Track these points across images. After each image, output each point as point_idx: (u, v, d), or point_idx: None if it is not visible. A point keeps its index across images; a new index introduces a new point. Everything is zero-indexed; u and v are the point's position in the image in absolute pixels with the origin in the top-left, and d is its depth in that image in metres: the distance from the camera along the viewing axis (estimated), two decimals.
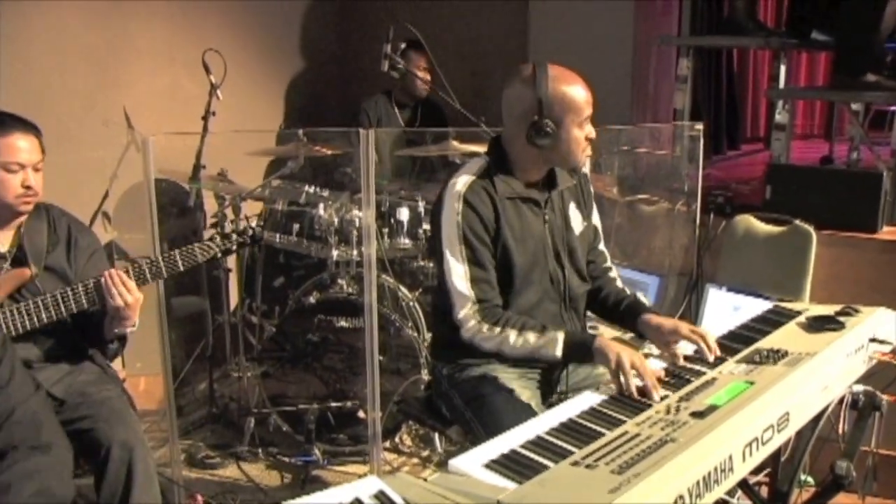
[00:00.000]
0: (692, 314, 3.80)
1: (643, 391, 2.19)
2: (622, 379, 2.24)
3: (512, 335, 2.44)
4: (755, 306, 2.86)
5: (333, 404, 3.74)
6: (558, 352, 2.41)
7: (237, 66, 4.20)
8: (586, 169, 2.85)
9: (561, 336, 2.42)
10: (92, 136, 4.22)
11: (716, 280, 3.65)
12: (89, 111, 4.27)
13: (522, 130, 2.49)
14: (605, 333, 3.67)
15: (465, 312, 2.48)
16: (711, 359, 2.35)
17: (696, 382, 2.18)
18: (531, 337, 2.43)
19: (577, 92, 2.48)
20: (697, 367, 2.32)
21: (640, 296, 2.76)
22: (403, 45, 3.73)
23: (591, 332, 2.55)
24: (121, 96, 4.30)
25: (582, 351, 2.41)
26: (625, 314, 2.68)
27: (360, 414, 3.72)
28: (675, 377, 2.28)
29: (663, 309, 3.85)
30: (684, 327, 2.47)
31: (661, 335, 2.50)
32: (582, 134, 2.51)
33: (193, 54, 4.05)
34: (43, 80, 4.12)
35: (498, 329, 2.45)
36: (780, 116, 4.29)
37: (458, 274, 2.48)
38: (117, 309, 2.62)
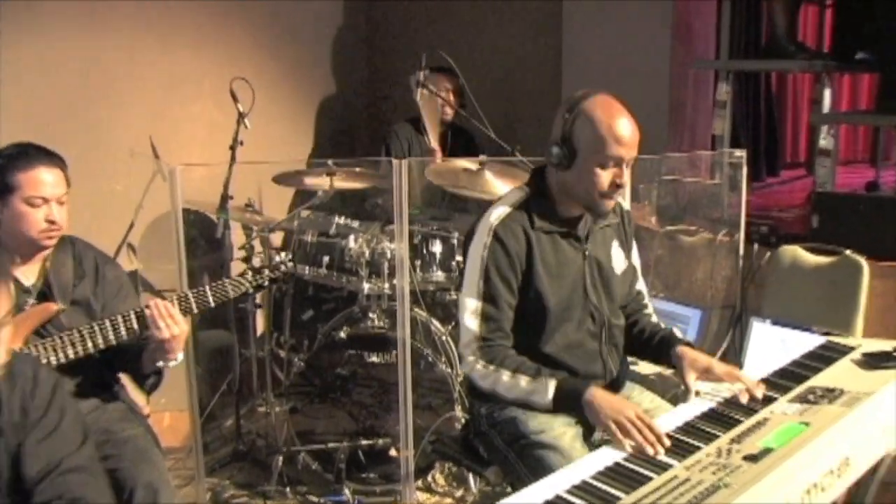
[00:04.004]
0: (736, 349, 3.74)
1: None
2: (617, 437, 2.16)
3: (504, 375, 2.41)
4: (804, 341, 2.80)
5: (364, 442, 3.70)
6: (548, 399, 2.37)
7: (265, 95, 4.20)
8: (627, 205, 2.79)
9: (553, 383, 2.37)
10: (117, 166, 4.23)
11: (761, 313, 3.58)
12: (114, 141, 4.29)
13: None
14: (643, 370, 3.63)
15: (466, 348, 2.47)
16: (753, 398, 2.29)
17: (747, 423, 2.12)
18: (523, 380, 2.39)
19: (606, 127, 2.37)
20: (747, 406, 2.26)
21: (677, 330, 2.69)
22: (427, 70, 3.72)
23: (586, 381, 2.43)
24: (147, 125, 4.32)
25: (572, 401, 2.35)
26: (658, 346, 2.63)
27: (392, 452, 3.68)
28: (723, 417, 2.22)
29: (706, 344, 3.79)
30: (719, 367, 2.42)
31: (691, 369, 2.44)
32: (605, 175, 2.40)
33: (221, 83, 4.06)
34: (67, 109, 4.15)
35: (492, 367, 2.42)
36: (824, 142, 4.23)
37: (470, 308, 2.47)
38: (162, 341, 2.60)
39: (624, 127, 2.39)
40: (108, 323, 2.62)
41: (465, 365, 2.48)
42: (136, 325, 2.62)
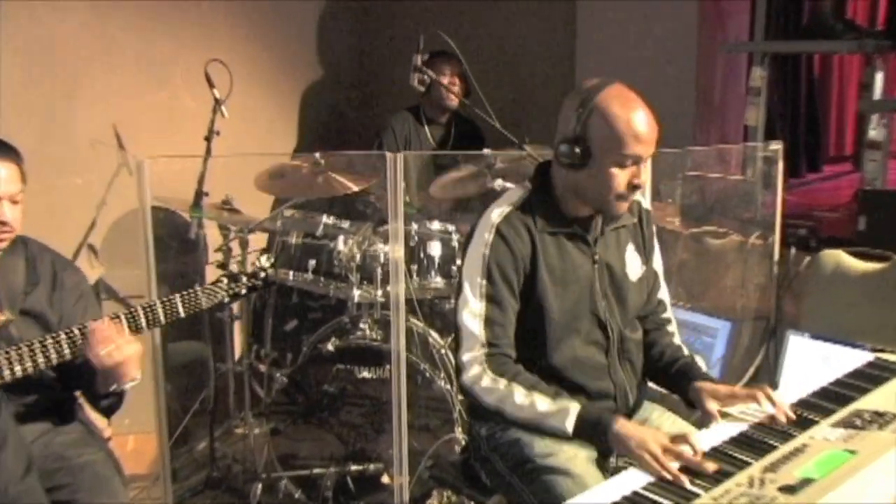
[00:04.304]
0: (770, 366, 3.72)
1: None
2: (653, 467, 2.14)
3: (518, 393, 2.37)
4: (849, 358, 2.77)
5: (353, 467, 3.71)
6: (569, 425, 2.33)
7: (244, 80, 4.19)
8: (647, 204, 2.78)
9: (575, 409, 2.34)
10: (77, 159, 4.21)
11: (798, 326, 3.58)
12: (74, 129, 4.27)
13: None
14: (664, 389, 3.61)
15: (471, 355, 2.43)
16: (782, 418, 2.28)
17: (783, 449, 2.09)
18: (540, 401, 2.36)
19: (624, 123, 2.36)
20: (783, 430, 2.23)
21: (699, 358, 2.67)
22: (427, 55, 3.73)
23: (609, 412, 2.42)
24: (111, 112, 4.30)
25: (597, 432, 2.32)
26: (676, 377, 2.61)
27: (385, 478, 3.68)
28: (756, 442, 2.18)
29: (735, 360, 3.78)
30: (741, 389, 2.40)
31: (711, 398, 2.42)
32: (622, 175, 2.40)
33: (194, 65, 4.04)
34: (20, 93, 4.13)
35: (503, 382, 2.39)
36: (874, 132, 4.22)
37: (473, 311, 2.44)
38: (106, 368, 2.55)
39: (642, 122, 2.38)
40: (62, 336, 2.58)
41: (468, 377, 2.43)
42: (81, 345, 2.54)
